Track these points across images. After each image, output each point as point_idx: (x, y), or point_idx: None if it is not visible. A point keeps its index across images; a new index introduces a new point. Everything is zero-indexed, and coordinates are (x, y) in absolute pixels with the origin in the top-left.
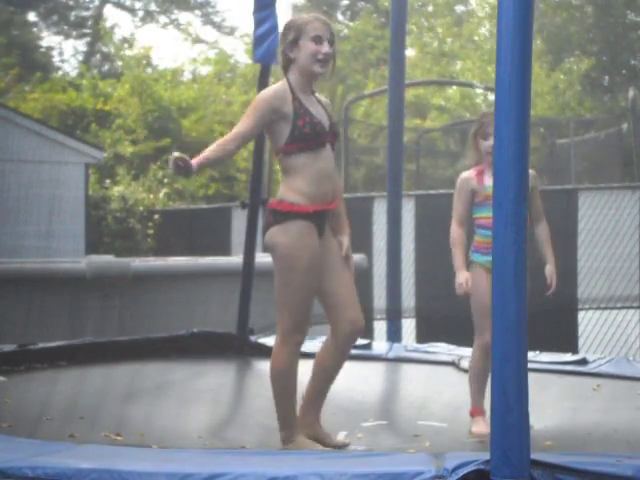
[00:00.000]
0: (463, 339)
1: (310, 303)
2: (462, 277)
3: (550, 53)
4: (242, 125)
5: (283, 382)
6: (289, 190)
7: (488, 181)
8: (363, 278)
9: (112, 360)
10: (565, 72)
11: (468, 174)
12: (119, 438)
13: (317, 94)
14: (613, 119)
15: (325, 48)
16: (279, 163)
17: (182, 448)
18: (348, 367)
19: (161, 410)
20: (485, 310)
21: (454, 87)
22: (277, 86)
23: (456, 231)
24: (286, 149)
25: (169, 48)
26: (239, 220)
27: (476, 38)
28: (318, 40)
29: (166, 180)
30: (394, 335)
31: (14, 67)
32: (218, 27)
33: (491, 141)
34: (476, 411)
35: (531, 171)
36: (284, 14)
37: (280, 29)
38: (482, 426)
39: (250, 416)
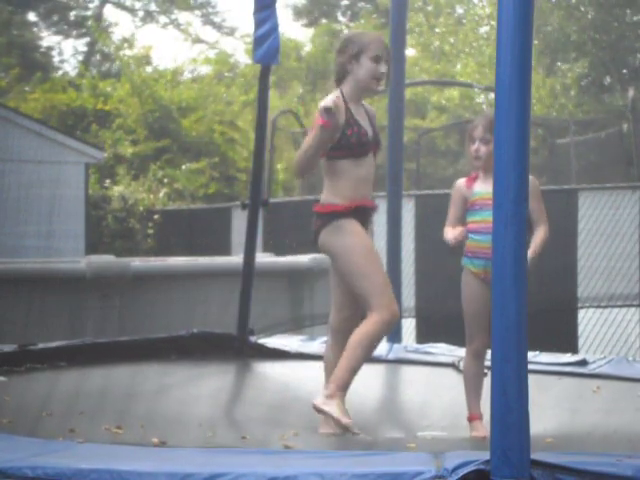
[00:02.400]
0: (463, 339)
1: (385, 275)
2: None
3: (547, 55)
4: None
5: (368, 348)
6: (331, 193)
7: (477, 187)
8: None
9: (112, 360)
10: (561, 76)
11: (461, 182)
12: (120, 431)
13: (365, 105)
14: (613, 119)
15: (383, 68)
16: (323, 165)
17: (182, 443)
18: None
19: (161, 409)
20: (474, 316)
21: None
22: (335, 97)
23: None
24: (332, 154)
25: (169, 48)
26: (239, 220)
27: (475, 44)
28: (377, 60)
29: (166, 180)
30: (394, 335)
31: (14, 67)
32: (218, 27)
33: (476, 145)
34: (473, 416)
35: (530, 177)
36: (284, 15)
37: (338, 42)
38: (481, 430)
39: (250, 416)
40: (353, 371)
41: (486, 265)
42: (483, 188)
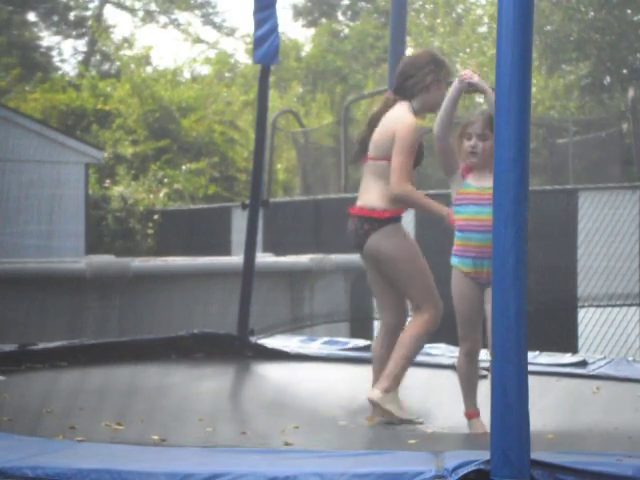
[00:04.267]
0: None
1: (432, 276)
2: (446, 210)
3: (548, 55)
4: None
5: (418, 345)
6: (380, 197)
7: (469, 179)
8: (363, 278)
9: (112, 360)
10: (562, 77)
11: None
12: (120, 427)
13: None
14: (613, 119)
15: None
16: (373, 169)
17: (182, 441)
18: (348, 368)
19: (161, 409)
20: (465, 317)
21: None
22: (410, 113)
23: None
24: (389, 161)
25: (169, 48)
26: (239, 220)
27: (475, 44)
28: (447, 86)
29: (166, 180)
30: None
31: (14, 67)
32: (218, 27)
33: (473, 141)
34: (470, 414)
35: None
36: (284, 15)
37: (406, 59)
38: (480, 426)
39: (250, 416)
40: (404, 368)
41: (475, 264)
42: (474, 183)
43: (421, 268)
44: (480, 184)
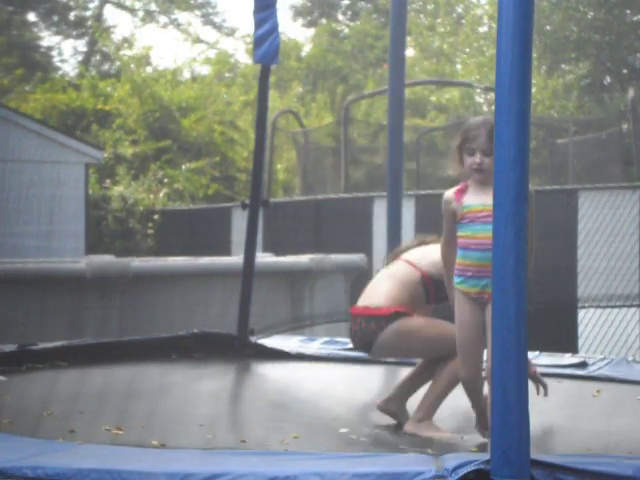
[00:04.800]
0: None
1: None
2: (452, 299)
3: (547, 56)
4: None
5: (455, 380)
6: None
7: (468, 200)
8: (363, 278)
9: (112, 360)
10: (562, 77)
11: (450, 194)
12: (120, 432)
13: None
14: (613, 119)
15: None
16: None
17: (182, 445)
18: (348, 370)
19: (161, 409)
20: (464, 344)
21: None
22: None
23: (444, 251)
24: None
25: (169, 48)
26: (239, 220)
27: (475, 44)
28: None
29: (166, 180)
30: None
31: (15, 67)
32: (218, 27)
33: (477, 158)
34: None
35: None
36: (284, 15)
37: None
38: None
39: (250, 417)
40: (440, 400)
41: (478, 284)
42: (475, 200)
43: (437, 337)
44: (480, 200)
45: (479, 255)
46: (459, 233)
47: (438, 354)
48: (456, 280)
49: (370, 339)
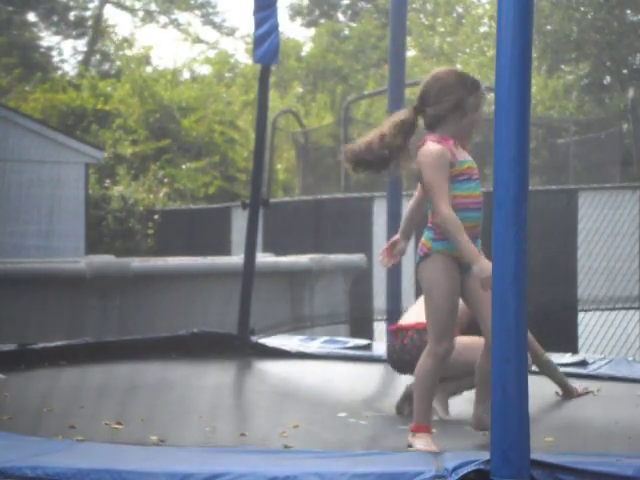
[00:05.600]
0: None
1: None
2: (487, 263)
3: (547, 56)
4: None
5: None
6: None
7: (460, 156)
8: (363, 278)
9: (112, 360)
10: (562, 77)
11: (441, 147)
12: (120, 427)
13: None
14: (613, 119)
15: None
16: None
17: (181, 441)
18: (348, 368)
19: (161, 408)
20: (450, 312)
21: None
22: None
23: (452, 214)
24: None
25: (169, 48)
26: (239, 220)
27: (475, 44)
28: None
29: (166, 180)
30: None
31: (15, 67)
32: (218, 27)
33: (478, 117)
34: (420, 428)
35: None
36: (284, 15)
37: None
38: (423, 443)
39: (250, 416)
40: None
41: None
42: (466, 156)
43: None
44: (469, 158)
45: (478, 215)
46: (454, 192)
47: (469, 372)
48: (442, 245)
49: (419, 353)
